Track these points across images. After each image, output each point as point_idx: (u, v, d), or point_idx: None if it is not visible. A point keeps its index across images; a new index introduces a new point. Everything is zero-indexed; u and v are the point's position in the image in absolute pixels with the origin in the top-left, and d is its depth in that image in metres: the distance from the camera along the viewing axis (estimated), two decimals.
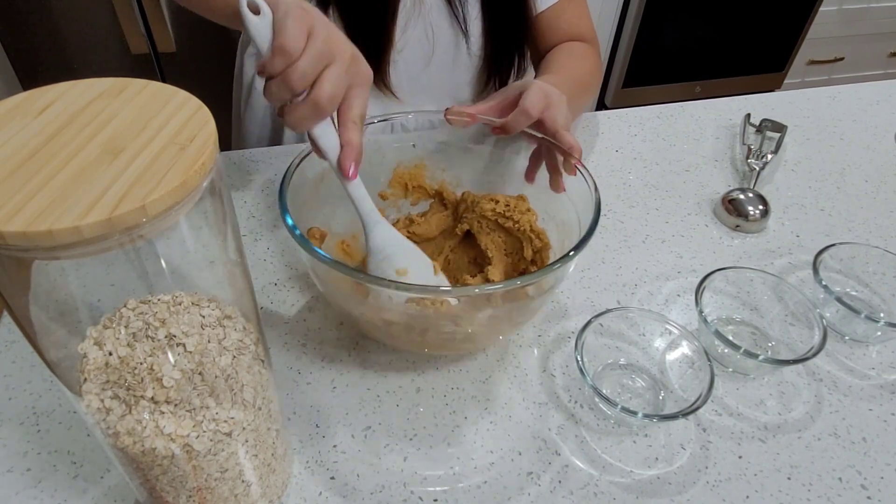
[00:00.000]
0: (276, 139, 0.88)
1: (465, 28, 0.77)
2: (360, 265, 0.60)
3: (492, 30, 0.78)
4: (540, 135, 0.59)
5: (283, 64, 0.43)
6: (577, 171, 0.55)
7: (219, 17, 0.64)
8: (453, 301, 0.49)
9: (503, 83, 0.83)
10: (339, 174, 0.48)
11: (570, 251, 0.47)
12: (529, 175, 0.62)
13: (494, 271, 0.58)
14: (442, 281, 0.56)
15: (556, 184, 0.59)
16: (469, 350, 0.57)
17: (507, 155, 0.64)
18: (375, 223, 0.52)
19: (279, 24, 0.43)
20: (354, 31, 0.74)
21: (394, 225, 0.60)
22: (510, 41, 0.80)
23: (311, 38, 0.43)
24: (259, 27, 0.43)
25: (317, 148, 0.47)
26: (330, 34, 0.44)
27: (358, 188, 0.50)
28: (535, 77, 0.75)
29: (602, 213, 0.72)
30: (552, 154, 0.58)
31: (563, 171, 0.57)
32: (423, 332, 0.51)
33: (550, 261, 0.58)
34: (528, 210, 0.59)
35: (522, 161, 0.62)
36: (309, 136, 0.47)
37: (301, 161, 0.53)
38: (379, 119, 0.62)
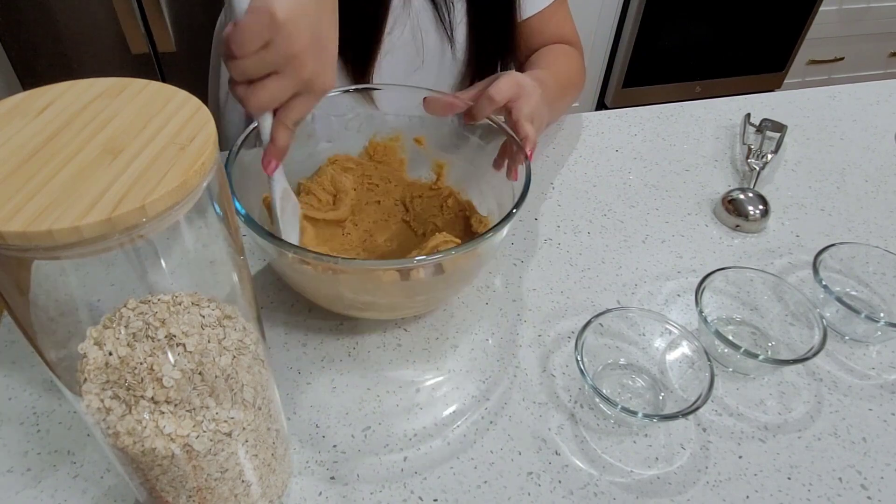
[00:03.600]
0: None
1: (451, 34, 0.77)
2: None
3: (476, 35, 0.78)
4: (501, 125, 0.60)
5: (229, 53, 0.42)
6: (524, 162, 0.56)
7: None
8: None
9: None
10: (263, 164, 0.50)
11: (488, 230, 0.50)
12: (497, 163, 0.62)
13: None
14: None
15: (508, 172, 0.60)
16: (402, 314, 0.58)
17: (481, 141, 0.65)
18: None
19: (242, 20, 0.42)
20: (342, 35, 0.74)
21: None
22: (494, 47, 0.80)
23: (266, 47, 0.43)
24: None
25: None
26: (293, 52, 0.43)
27: (277, 182, 0.52)
28: None
29: (602, 212, 0.72)
30: (512, 144, 0.59)
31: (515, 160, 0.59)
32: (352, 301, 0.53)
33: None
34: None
35: (493, 148, 0.63)
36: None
37: (244, 139, 0.55)
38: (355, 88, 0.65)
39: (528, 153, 0.57)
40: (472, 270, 0.55)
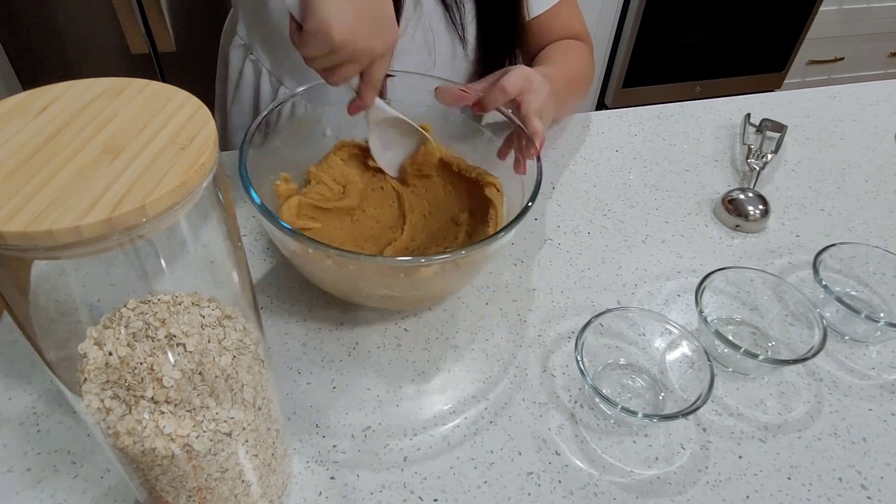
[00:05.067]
0: None
1: (463, 34, 0.77)
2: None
3: (485, 34, 0.78)
4: (511, 116, 0.61)
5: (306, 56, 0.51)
6: (533, 157, 0.57)
7: None
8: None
9: None
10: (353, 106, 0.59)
11: (500, 229, 0.51)
12: (502, 153, 0.63)
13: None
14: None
15: (517, 164, 0.60)
16: (417, 306, 0.60)
17: (486, 133, 0.66)
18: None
19: (304, 39, 0.49)
20: None
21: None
22: (503, 45, 0.81)
23: (330, 54, 0.50)
24: None
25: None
26: (355, 54, 0.50)
27: (374, 107, 0.60)
28: None
29: (602, 212, 0.72)
30: (520, 137, 0.60)
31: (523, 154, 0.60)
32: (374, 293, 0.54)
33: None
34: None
35: (495, 140, 0.64)
36: None
37: (255, 131, 0.57)
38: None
39: (538, 148, 0.57)
40: (481, 266, 0.56)
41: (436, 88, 0.63)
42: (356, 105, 0.58)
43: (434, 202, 0.66)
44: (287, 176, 0.61)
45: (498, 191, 0.62)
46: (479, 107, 0.62)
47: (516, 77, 0.60)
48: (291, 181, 0.61)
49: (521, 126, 0.59)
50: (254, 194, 0.49)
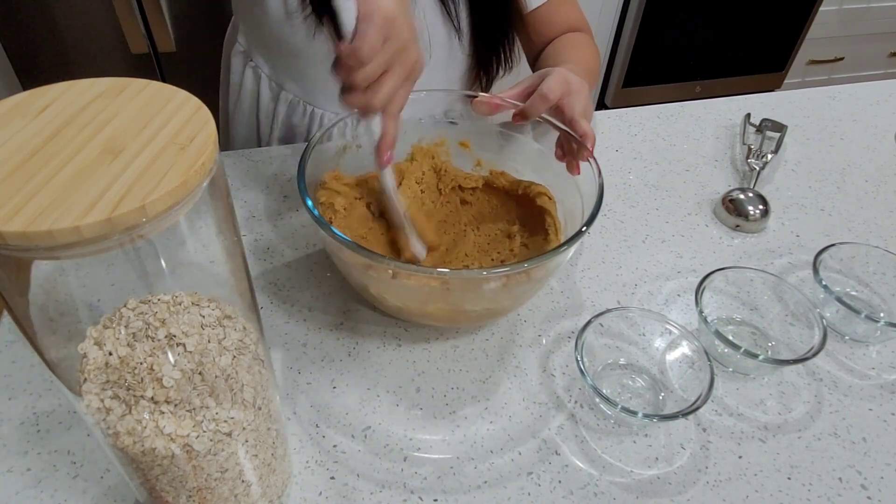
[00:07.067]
0: (262, 139, 0.88)
1: (458, 25, 0.77)
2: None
3: (479, 26, 0.79)
4: (556, 123, 0.60)
5: (355, 65, 0.47)
6: (588, 160, 0.57)
7: None
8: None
9: (490, 79, 0.84)
10: (376, 159, 0.54)
11: (568, 239, 0.50)
12: (558, 156, 0.62)
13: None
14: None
15: (570, 167, 0.60)
16: (468, 325, 0.59)
17: (524, 138, 0.65)
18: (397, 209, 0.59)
19: (361, 29, 0.47)
20: None
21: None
22: (497, 36, 0.81)
23: (385, 44, 0.47)
24: (344, 5, 0.47)
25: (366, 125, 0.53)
26: (403, 43, 0.48)
27: (389, 174, 0.57)
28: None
29: (602, 212, 0.72)
30: (568, 140, 0.60)
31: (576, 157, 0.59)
32: (433, 309, 0.53)
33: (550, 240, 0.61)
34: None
35: (537, 145, 0.64)
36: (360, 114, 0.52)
37: (318, 141, 0.56)
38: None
39: (591, 150, 0.57)
40: (550, 273, 0.55)
41: (472, 100, 0.63)
42: (384, 148, 0.53)
43: (480, 217, 0.66)
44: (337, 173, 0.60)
45: (550, 199, 0.61)
46: (521, 116, 0.61)
47: (555, 82, 0.59)
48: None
49: (569, 130, 0.59)
50: (315, 211, 0.49)
